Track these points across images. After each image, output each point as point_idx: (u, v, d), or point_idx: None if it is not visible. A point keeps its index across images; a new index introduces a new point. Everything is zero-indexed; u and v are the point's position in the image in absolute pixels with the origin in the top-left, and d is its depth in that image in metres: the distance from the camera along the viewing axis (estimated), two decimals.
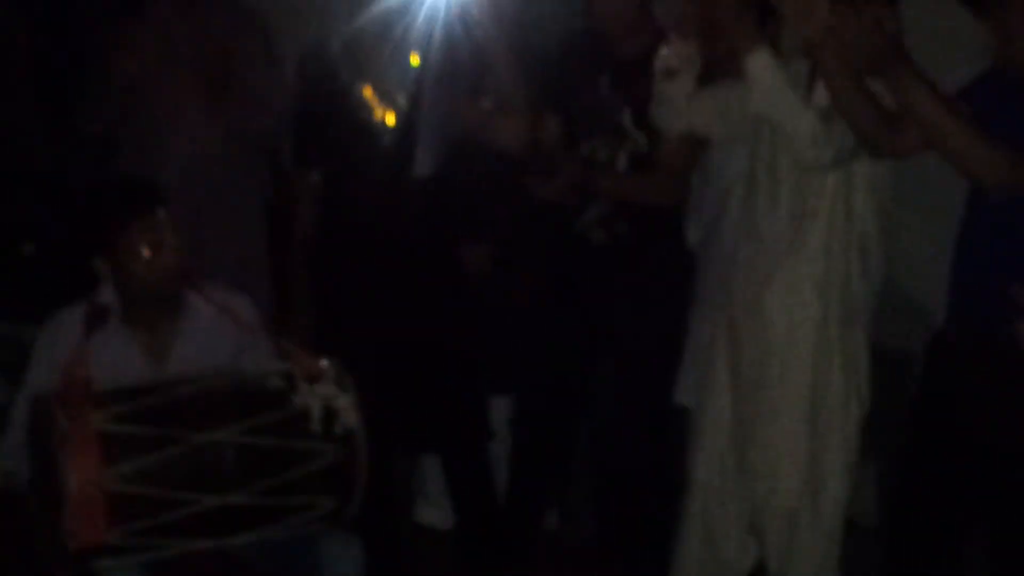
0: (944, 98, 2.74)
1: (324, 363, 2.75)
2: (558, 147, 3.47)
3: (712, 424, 3.27)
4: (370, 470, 2.80)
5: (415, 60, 3.31)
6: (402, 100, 3.33)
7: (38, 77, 4.43)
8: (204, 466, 2.57)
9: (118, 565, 2.55)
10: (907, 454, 3.01)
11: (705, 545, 3.28)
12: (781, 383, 3.15)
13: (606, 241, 3.45)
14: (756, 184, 3.21)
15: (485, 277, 3.60)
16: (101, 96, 3.62)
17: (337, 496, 2.71)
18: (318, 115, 3.42)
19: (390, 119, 3.32)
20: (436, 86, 3.33)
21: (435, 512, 3.90)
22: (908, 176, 3.19)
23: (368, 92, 3.33)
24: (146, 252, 2.78)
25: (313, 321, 3.47)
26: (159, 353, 2.88)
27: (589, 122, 3.45)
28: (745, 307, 3.21)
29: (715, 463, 3.26)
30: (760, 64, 2.97)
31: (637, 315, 3.45)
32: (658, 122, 3.32)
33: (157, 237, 2.79)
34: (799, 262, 3.12)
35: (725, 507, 3.24)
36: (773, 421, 3.16)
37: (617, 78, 3.41)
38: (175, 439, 2.54)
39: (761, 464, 3.18)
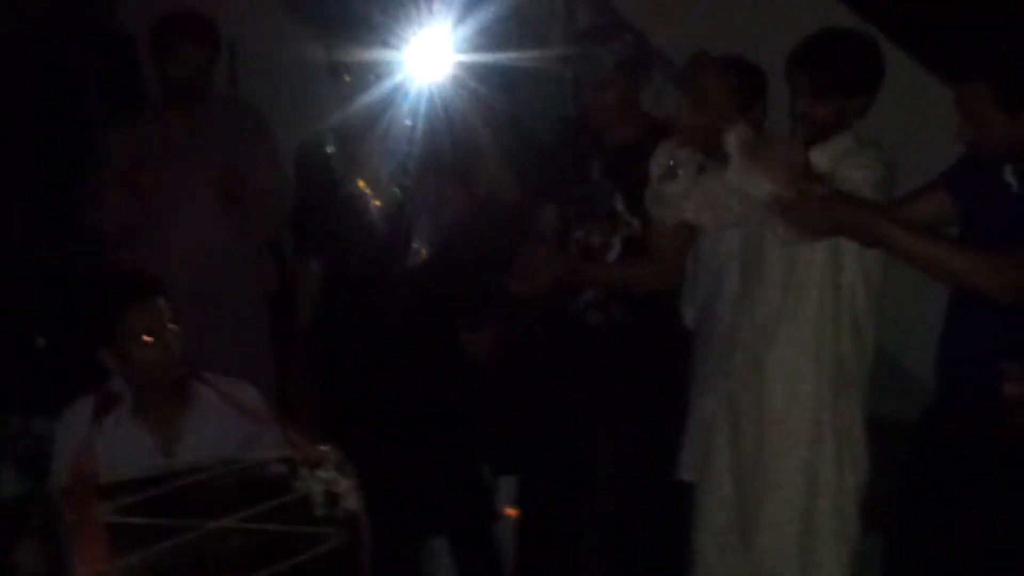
0: (922, 230, 2.87)
1: (325, 449, 2.82)
2: (553, 235, 3.57)
3: (714, 500, 3.33)
4: (378, 555, 2.85)
5: (405, 148, 3.43)
6: (395, 190, 3.44)
7: (44, 173, 4.59)
8: (210, 554, 2.62)
9: None
10: (899, 526, 3.06)
11: None
12: (779, 457, 3.21)
13: (603, 323, 3.52)
14: (748, 262, 3.30)
15: (485, 361, 3.67)
16: (100, 193, 3.74)
17: None
18: (315, 207, 3.52)
19: (384, 209, 3.43)
20: (426, 176, 3.43)
21: None
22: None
23: (362, 184, 3.44)
24: (146, 338, 2.88)
25: (315, 407, 3.54)
26: (169, 443, 2.97)
27: (583, 209, 3.54)
28: (743, 382, 3.29)
29: (718, 538, 3.31)
30: (736, 137, 3.04)
31: (634, 395, 3.51)
32: (654, 215, 3.38)
33: (156, 324, 2.90)
34: (792, 336, 3.19)
35: None
36: (773, 495, 3.22)
37: (608, 165, 3.51)
38: (180, 529, 2.60)
39: (762, 538, 3.23)
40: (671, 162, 3.21)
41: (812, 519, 3.18)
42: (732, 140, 3.02)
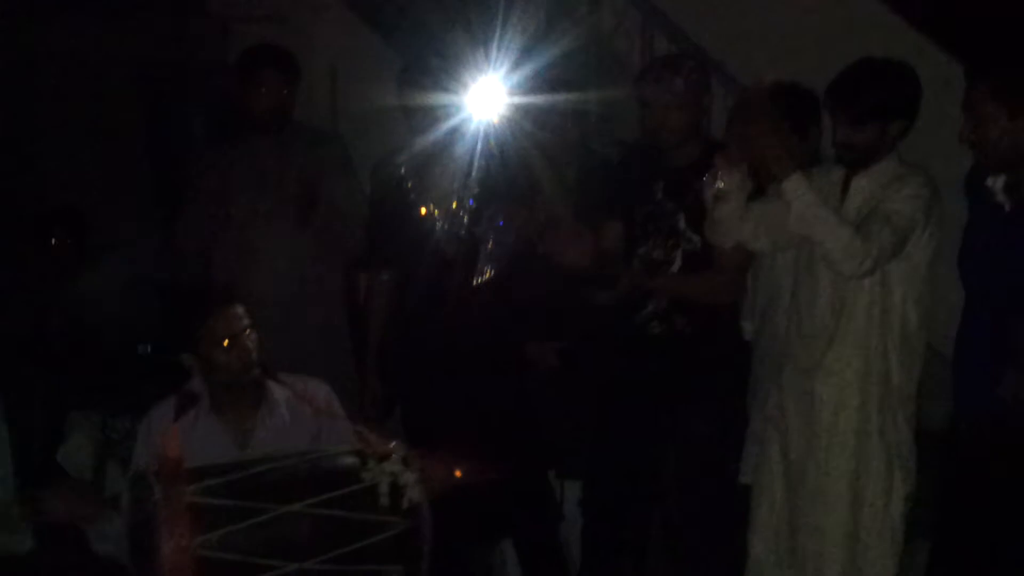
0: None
1: (393, 443, 3.04)
2: (619, 251, 3.77)
3: (766, 505, 3.47)
4: (449, 555, 3.04)
5: (473, 177, 3.67)
6: (462, 213, 3.67)
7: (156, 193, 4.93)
8: (283, 535, 2.86)
9: None
10: (940, 537, 3.17)
11: None
12: (826, 468, 3.35)
13: (664, 333, 3.70)
14: (801, 280, 3.44)
15: (552, 371, 3.87)
16: (193, 216, 4.05)
17: (405, 564, 2.97)
18: (389, 223, 3.78)
19: (452, 231, 3.67)
20: (492, 202, 3.67)
21: None
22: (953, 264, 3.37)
23: (432, 207, 3.69)
24: (225, 342, 3.17)
25: (385, 408, 3.78)
26: (244, 437, 3.26)
27: (647, 226, 3.73)
28: (793, 395, 3.43)
29: (769, 541, 3.46)
30: (795, 189, 3.22)
31: (696, 403, 3.68)
32: (711, 238, 3.56)
33: (234, 329, 3.20)
34: (840, 354, 3.33)
35: None
36: (819, 503, 3.36)
37: (671, 184, 3.70)
38: (257, 511, 2.84)
39: (809, 543, 3.37)
40: (722, 185, 3.38)
41: (857, 528, 3.31)
42: (789, 189, 3.23)
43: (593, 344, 3.87)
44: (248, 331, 3.22)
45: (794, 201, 3.23)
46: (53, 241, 4.67)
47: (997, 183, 3.03)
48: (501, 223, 3.69)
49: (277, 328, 3.41)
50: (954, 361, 3.13)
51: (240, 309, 3.23)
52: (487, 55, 3.76)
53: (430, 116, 3.66)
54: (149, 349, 4.30)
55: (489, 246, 3.69)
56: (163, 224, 4.71)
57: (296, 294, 3.95)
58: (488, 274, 3.68)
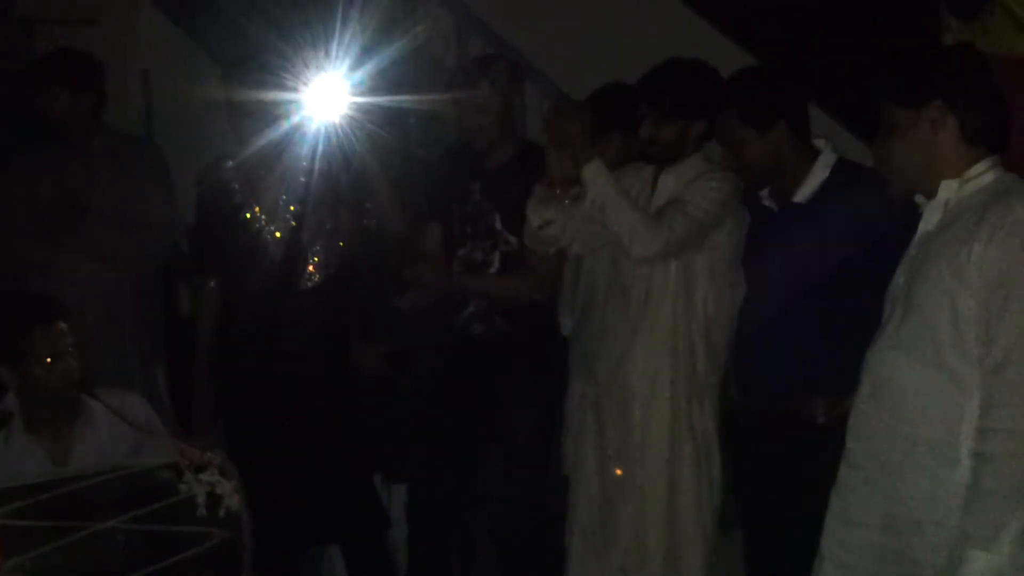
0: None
1: (210, 453, 3.00)
2: (438, 254, 3.80)
3: (584, 499, 3.55)
4: (273, 562, 3.02)
5: (301, 181, 3.64)
6: (289, 217, 3.64)
7: None
8: (97, 554, 2.79)
9: None
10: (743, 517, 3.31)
11: None
12: (641, 460, 3.44)
13: (486, 333, 3.74)
14: (612, 273, 3.53)
15: (378, 374, 3.88)
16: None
17: (226, 575, 2.94)
18: (214, 229, 3.72)
19: (280, 235, 3.63)
20: (321, 206, 3.64)
21: None
22: None
23: (258, 210, 3.65)
24: (48, 360, 3.07)
25: (214, 418, 3.73)
26: (61, 454, 3.15)
27: (465, 227, 3.78)
28: (607, 389, 3.51)
29: (588, 535, 3.53)
30: (592, 172, 3.32)
31: (519, 402, 3.74)
32: (531, 246, 3.62)
33: (57, 346, 3.09)
34: (650, 347, 3.43)
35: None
36: (636, 495, 3.45)
37: (487, 185, 3.75)
38: (71, 530, 2.77)
39: (627, 535, 3.46)
40: (544, 212, 3.46)
41: (674, 515, 3.41)
42: (587, 172, 3.32)
43: (418, 346, 3.89)
44: (72, 348, 3.14)
45: (590, 187, 3.33)
46: None
47: (764, 191, 3.22)
48: (328, 226, 3.67)
49: (88, 340, 3.32)
50: (735, 348, 3.28)
51: (64, 325, 3.13)
52: (304, 59, 3.73)
53: (254, 118, 3.61)
54: None
55: (316, 249, 3.66)
56: None
57: (106, 304, 3.86)
58: (315, 278, 3.65)
